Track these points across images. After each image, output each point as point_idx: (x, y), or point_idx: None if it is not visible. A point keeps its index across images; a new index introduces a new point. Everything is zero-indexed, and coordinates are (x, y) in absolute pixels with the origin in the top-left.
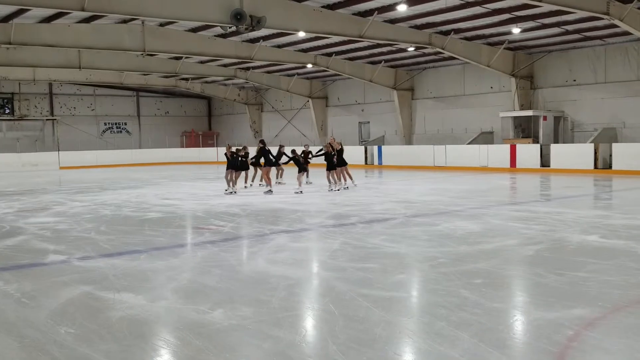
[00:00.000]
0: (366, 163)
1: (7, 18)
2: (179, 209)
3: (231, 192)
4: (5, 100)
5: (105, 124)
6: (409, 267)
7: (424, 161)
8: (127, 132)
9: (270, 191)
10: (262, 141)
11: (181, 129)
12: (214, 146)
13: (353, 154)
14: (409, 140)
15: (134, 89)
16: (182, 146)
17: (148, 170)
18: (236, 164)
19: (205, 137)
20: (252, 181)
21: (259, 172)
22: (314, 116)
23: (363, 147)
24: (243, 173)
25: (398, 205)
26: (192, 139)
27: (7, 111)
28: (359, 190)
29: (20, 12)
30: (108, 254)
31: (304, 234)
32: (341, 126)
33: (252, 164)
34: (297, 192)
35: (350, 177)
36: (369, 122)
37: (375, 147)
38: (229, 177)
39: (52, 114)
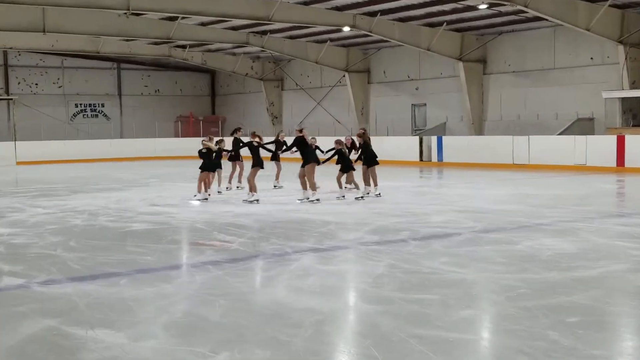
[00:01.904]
0: (421, 159)
1: None
2: (173, 218)
3: (205, 198)
4: None
5: (76, 105)
6: (479, 300)
7: (500, 157)
8: (105, 116)
9: (256, 201)
10: (246, 132)
11: (176, 113)
12: (218, 134)
13: (403, 147)
14: (479, 129)
15: (115, 60)
16: (176, 135)
17: (132, 166)
18: (213, 162)
19: (208, 124)
20: (230, 182)
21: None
22: (352, 96)
23: (417, 139)
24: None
25: (464, 217)
26: (190, 126)
27: None
28: (412, 197)
29: None
30: (79, 277)
31: (337, 254)
32: (387, 109)
33: (229, 158)
34: (338, 198)
35: (375, 183)
36: (425, 105)
37: (434, 139)
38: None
39: (6, 92)
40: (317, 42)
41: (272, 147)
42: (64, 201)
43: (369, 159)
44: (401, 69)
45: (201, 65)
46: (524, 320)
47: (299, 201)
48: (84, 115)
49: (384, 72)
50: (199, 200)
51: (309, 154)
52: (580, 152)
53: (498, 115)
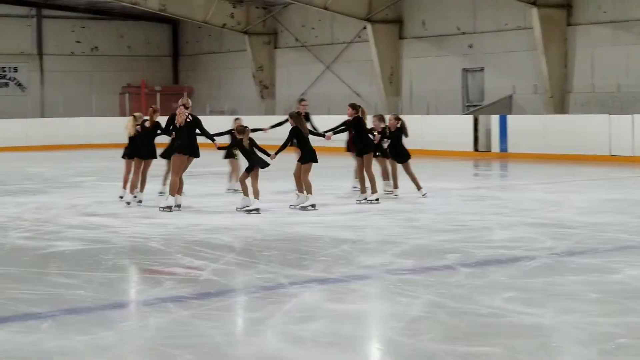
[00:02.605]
0: (476, 148)
1: None
2: (116, 233)
3: (129, 202)
4: None
5: None
6: (560, 354)
7: (591, 146)
8: (20, 85)
9: (256, 210)
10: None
11: (122, 81)
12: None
13: (450, 131)
14: (560, 105)
15: (33, 3)
16: (122, 114)
17: (58, 158)
18: (144, 145)
19: (168, 97)
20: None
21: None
22: (377, 57)
23: (470, 119)
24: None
25: (539, 233)
26: (142, 100)
27: None
28: (463, 204)
29: None
30: None
31: (354, 287)
32: (427, 76)
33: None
34: (371, 201)
35: (395, 181)
36: (482, 70)
37: (494, 119)
38: (129, 174)
39: None
40: None
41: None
42: None
43: (399, 150)
44: (448, 17)
45: (158, 13)
46: None
47: (292, 207)
48: None
49: (423, 22)
50: (128, 202)
51: (306, 147)
52: None
53: (589, 84)
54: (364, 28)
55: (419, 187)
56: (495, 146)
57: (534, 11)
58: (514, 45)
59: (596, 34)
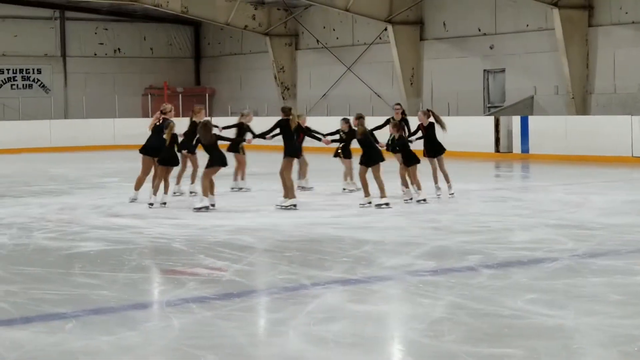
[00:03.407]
0: (497, 149)
1: None
2: (140, 234)
3: (152, 204)
4: None
5: (0, 71)
6: (584, 357)
7: (612, 147)
8: (43, 87)
9: (207, 207)
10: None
11: (144, 83)
12: (206, 115)
13: (472, 131)
14: (582, 106)
15: (57, 6)
16: (145, 115)
17: (81, 159)
18: (166, 148)
19: (190, 99)
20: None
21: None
22: (398, 58)
23: (492, 120)
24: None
25: (561, 234)
26: (164, 102)
27: None
28: (485, 205)
29: None
30: (5, 320)
31: (376, 288)
32: (448, 77)
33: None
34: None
35: (418, 186)
36: (503, 71)
37: (516, 120)
38: (145, 178)
39: None
40: None
41: (230, 132)
42: None
43: (409, 154)
44: (469, 18)
45: (181, 15)
46: None
47: (278, 207)
48: (12, 85)
49: (444, 23)
50: (150, 203)
51: (290, 143)
52: None
53: (611, 85)
54: (385, 29)
55: (448, 185)
56: (517, 147)
57: (555, 12)
58: (535, 46)
59: (617, 35)
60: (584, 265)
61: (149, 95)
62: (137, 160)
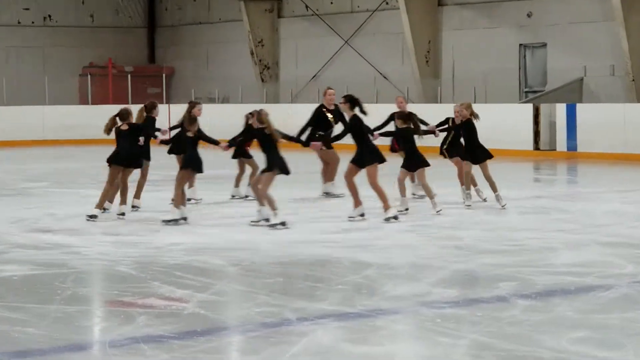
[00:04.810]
0: (537, 146)
1: None
2: (76, 255)
3: (122, 213)
4: None
5: None
6: None
7: None
8: None
9: (179, 220)
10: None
11: (83, 60)
12: (162, 101)
13: (505, 123)
14: None
15: None
16: (83, 101)
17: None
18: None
19: (142, 80)
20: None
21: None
22: (409, 28)
23: (530, 108)
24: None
25: (617, 254)
26: (109, 84)
27: None
28: (521, 217)
29: None
30: None
31: (381, 323)
32: (474, 54)
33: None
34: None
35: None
36: (544, 46)
37: (561, 107)
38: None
39: None
40: None
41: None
42: None
43: (415, 156)
44: None
45: None
46: None
47: (253, 224)
48: None
49: None
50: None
51: (273, 156)
52: None
53: None
54: None
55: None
56: (561, 144)
57: None
58: (585, 15)
59: None
60: None
61: (89, 76)
62: (72, 160)
